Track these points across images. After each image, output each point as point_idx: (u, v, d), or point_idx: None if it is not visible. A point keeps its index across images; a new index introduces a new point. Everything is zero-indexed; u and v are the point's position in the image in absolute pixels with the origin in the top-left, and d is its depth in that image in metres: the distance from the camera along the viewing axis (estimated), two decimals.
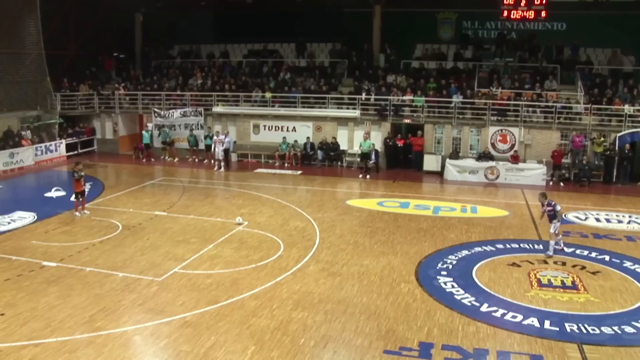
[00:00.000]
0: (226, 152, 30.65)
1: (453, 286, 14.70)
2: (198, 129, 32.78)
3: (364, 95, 31.47)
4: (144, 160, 32.45)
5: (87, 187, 22.57)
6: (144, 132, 33.92)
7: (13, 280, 14.96)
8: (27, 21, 32.89)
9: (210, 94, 33.79)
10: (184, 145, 33.35)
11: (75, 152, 34.53)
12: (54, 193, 24.59)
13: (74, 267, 15.83)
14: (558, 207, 17.12)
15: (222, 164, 30.16)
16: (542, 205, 17.44)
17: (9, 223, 20.19)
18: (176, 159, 32.90)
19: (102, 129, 36.25)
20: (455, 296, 14.10)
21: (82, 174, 21.36)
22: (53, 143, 33.18)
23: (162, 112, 33.63)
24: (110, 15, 37.27)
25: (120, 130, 35.94)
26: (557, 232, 17.13)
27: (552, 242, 17.07)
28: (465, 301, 13.80)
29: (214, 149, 30.54)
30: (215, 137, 30.81)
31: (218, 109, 33.19)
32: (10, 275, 15.27)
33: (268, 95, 33.01)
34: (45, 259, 16.44)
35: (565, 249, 17.46)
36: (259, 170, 30.19)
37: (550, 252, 16.95)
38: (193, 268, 15.77)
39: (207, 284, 14.62)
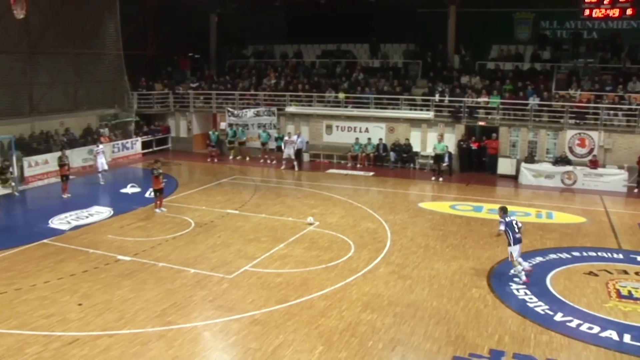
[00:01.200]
0: (298, 152, 30.88)
1: (526, 293, 14.30)
2: (271, 128, 33.14)
3: (437, 97, 31.04)
4: (215, 160, 33.02)
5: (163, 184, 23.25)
6: (210, 132, 34.56)
7: (90, 272, 15.57)
8: (107, 23, 34.25)
9: (284, 94, 34.15)
10: (255, 145, 33.79)
11: (150, 149, 35.57)
12: (129, 189, 25.39)
13: (147, 262, 16.32)
14: (502, 227, 14.95)
15: (295, 163, 30.42)
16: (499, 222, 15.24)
17: (87, 217, 21.02)
18: (247, 158, 33.38)
19: (177, 127, 37.20)
20: (528, 304, 13.70)
21: (161, 171, 21.96)
22: (129, 140, 34.32)
23: (235, 112, 34.19)
24: (187, 16, 38.18)
25: (194, 128, 36.79)
26: (516, 258, 15.07)
27: (518, 268, 15.09)
28: (538, 309, 13.39)
29: (284, 149, 30.88)
30: (286, 138, 31.11)
31: (291, 109, 33.50)
32: (88, 267, 15.91)
33: (341, 95, 33.06)
34: (120, 253, 17.02)
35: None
36: (330, 170, 30.28)
37: (521, 279, 15.02)
38: (263, 266, 15.96)
39: (277, 283, 14.76)
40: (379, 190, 25.80)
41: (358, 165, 31.08)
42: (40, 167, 27.95)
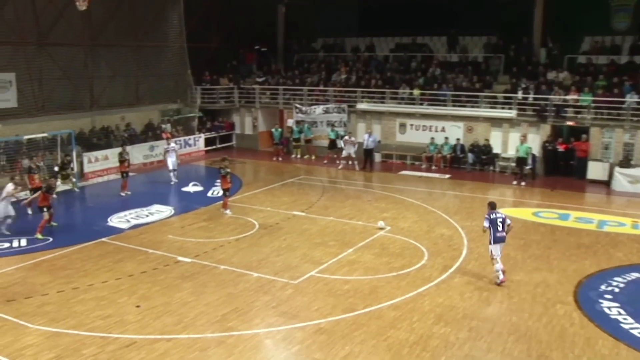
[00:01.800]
0: (369, 152, 30.76)
1: (619, 313, 13.71)
2: (341, 126, 33.12)
3: (521, 94, 30.31)
4: (281, 159, 33.28)
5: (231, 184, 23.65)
6: (273, 130, 34.83)
7: (149, 273, 15.92)
8: (170, 14, 35.12)
9: (355, 89, 34.11)
10: (323, 143, 33.91)
11: (214, 147, 36.22)
12: (191, 188, 25.90)
13: (208, 264, 16.56)
14: (486, 224, 15.03)
15: (355, 163, 30.40)
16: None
17: (147, 216, 21.56)
18: (313, 157, 33.50)
19: (242, 124, 37.75)
20: (622, 324, 13.13)
21: (229, 170, 22.24)
22: (192, 137, 35.03)
23: (303, 108, 34.39)
24: (253, 8, 38.70)
25: (259, 125, 37.23)
26: (494, 256, 15.19)
27: (496, 267, 15.19)
28: (634, 332, 12.80)
29: (344, 148, 30.93)
30: (346, 137, 31.07)
31: (362, 105, 33.42)
32: (147, 268, 16.28)
33: (416, 92, 32.75)
34: (180, 254, 17.36)
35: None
36: (403, 172, 30.04)
37: (498, 280, 15.20)
38: (330, 272, 15.94)
39: (345, 290, 14.70)
40: (456, 194, 25.39)
41: (433, 167, 30.71)
42: (100, 163, 28.88)
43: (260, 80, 38.34)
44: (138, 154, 30.95)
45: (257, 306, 13.85)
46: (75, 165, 26.69)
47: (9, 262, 16.96)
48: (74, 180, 26.17)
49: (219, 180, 24.70)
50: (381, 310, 13.64)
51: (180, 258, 17.07)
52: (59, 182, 24.52)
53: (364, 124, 33.32)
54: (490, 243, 15.18)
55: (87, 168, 28.37)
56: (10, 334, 12.45)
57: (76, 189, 26.04)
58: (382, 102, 33.27)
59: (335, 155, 32.45)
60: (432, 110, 31.85)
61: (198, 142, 35.28)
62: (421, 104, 32.41)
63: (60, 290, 14.78)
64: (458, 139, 30.97)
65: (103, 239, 18.89)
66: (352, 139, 30.99)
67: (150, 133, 33.75)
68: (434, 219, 21.18)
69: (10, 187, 19.64)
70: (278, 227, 20.12)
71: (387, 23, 37.93)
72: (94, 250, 17.88)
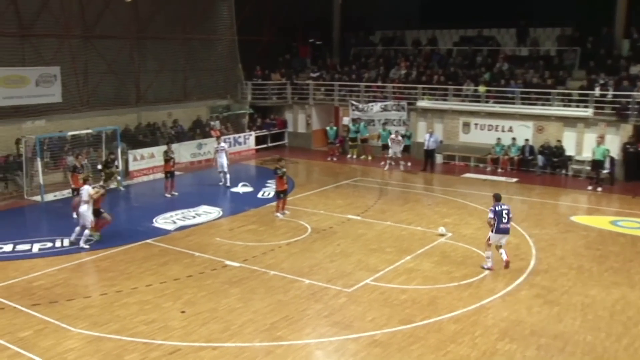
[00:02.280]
0: (431, 152, 30.54)
1: None
2: (400, 125, 32.95)
3: (598, 91, 29.61)
4: (335, 159, 33.32)
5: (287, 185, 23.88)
6: (327, 128, 34.84)
7: (195, 278, 16.13)
8: (220, 6, 35.54)
9: (415, 86, 33.89)
10: (377, 143, 33.82)
11: (265, 145, 36.51)
12: (240, 188, 26.15)
13: (257, 269, 16.69)
14: (491, 215, 16.47)
15: (402, 162, 30.41)
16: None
17: (193, 217, 21.86)
18: (370, 158, 33.44)
19: (294, 121, 37.95)
20: None
21: (285, 170, 22.36)
22: (242, 135, 35.37)
23: (360, 105, 34.36)
24: None
25: (313, 123, 37.36)
26: (490, 242, 16.72)
27: (487, 253, 16.84)
28: None
29: (390, 146, 30.85)
30: (392, 136, 30.98)
31: (423, 103, 33.19)
32: (193, 272, 16.49)
33: (482, 89, 32.34)
34: (228, 258, 17.54)
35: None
36: (467, 175, 29.75)
37: (485, 265, 16.81)
38: (387, 281, 15.87)
39: (402, 300, 14.62)
40: (524, 200, 24.98)
41: (499, 170, 30.29)
42: (146, 161, 29.43)
43: (314, 75, 38.47)
44: (185, 152, 31.40)
45: (308, 315, 13.88)
46: (120, 163, 27.22)
47: (52, 262, 17.43)
48: (118, 178, 26.70)
49: (270, 181, 24.95)
50: (441, 322, 13.50)
51: (228, 262, 17.25)
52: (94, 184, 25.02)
53: (424, 122, 33.08)
54: (491, 232, 16.49)
55: (132, 166, 28.94)
56: (52, 337, 12.78)
57: (121, 188, 26.59)
58: (445, 100, 32.97)
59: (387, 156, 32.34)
60: (498, 108, 31.41)
61: (248, 140, 35.61)
62: (487, 102, 32.02)
63: (103, 293, 15.11)
64: (527, 140, 30.45)
65: (148, 241, 19.25)
66: (399, 137, 30.81)
67: (199, 130, 34.23)
68: None
69: (89, 189, 19.03)
70: (332, 232, 20.15)
71: (451, 14, 37.57)
72: (139, 252, 18.23)
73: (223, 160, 27.12)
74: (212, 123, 35.00)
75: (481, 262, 17.05)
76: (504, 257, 16.55)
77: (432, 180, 28.69)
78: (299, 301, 14.62)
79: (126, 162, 28.61)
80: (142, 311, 14.04)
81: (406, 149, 31.61)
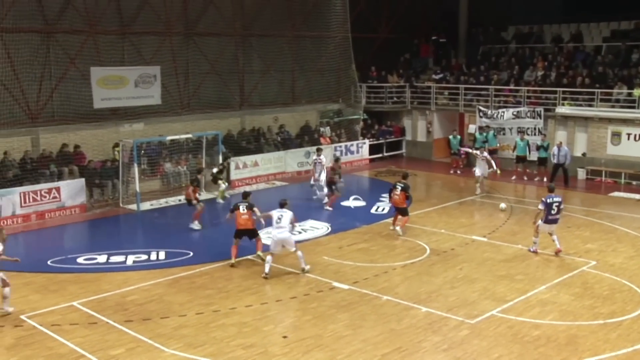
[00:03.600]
0: (559, 167, 29.75)
1: None
2: (535, 134, 32.17)
3: None
4: (459, 172, 32.90)
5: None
6: (450, 137, 34.37)
7: (300, 300, 16.25)
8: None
9: (554, 89, 33.03)
10: (509, 155, 33.29)
11: (380, 155, 36.53)
12: (352, 202, 26.21)
13: (368, 293, 16.64)
14: (541, 206, 19.26)
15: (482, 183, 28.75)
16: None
17: (299, 232, 22.03)
18: (499, 171, 32.79)
19: (413, 128, 37.82)
20: None
21: (409, 184, 22.41)
22: (355, 143, 35.50)
23: (489, 112, 33.86)
24: None
25: (435, 131, 37.12)
26: (539, 230, 19.65)
27: (533, 239, 20.01)
28: None
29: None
30: (477, 152, 29.34)
31: (563, 109, 32.30)
32: (297, 294, 16.64)
33: (637, 93, 31.19)
34: (336, 279, 17.60)
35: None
36: (615, 193, 28.85)
37: (531, 248, 19.97)
38: (516, 313, 15.46)
39: (534, 337, 14.18)
40: None
41: None
42: (249, 169, 30.06)
43: (437, 77, 38.27)
44: (292, 160, 31.79)
45: (424, 347, 13.70)
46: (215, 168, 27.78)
47: (146, 276, 18.06)
48: (222, 187, 26.94)
49: (385, 195, 24.87)
50: None
51: (335, 284, 17.28)
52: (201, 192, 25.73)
53: (564, 132, 32.17)
54: (541, 221, 19.38)
55: (234, 175, 29.55)
56: (144, 357, 13.21)
57: (220, 200, 26.98)
58: (590, 105, 31.96)
59: (526, 170, 31.57)
60: None
61: (362, 149, 35.67)
62: None
63: (199, 312, 15.45)
64: None
65: (249, 257, 19.56)
66: (484, 154, 28.86)
67: (307, 137, 34.60)
68: None
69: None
70: (453, 254, 19.89)
71: (601, 4, 36.41)
72: (238, 269, 18.57)
73: (320, 175, 27.24)
74: (321, 129, 35.32)
75: (627, 295, 16.39)
76: (557, 245, 19.52)
77: (571, 199, 27.78)
78: (414, 331, 14.44)
79: (228, 170, 29.16)
80: (240, 334, 14.24)
81: (542, 162, 30.81)
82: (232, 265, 18.77)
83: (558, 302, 16.15)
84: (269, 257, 18.11)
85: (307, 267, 18.27)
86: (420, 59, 41.40)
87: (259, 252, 19.15)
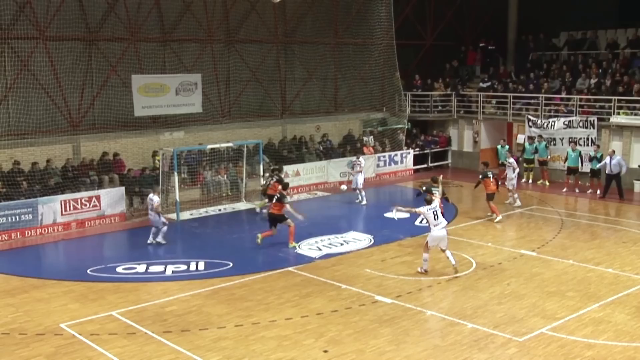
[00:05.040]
0: (613, 178, 29.29)
1: None
2: (587, 144, 31.76)
3: None
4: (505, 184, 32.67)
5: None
6: (498, 147, 34.04)
7: (341, 313, 16.22)
8: (377, 6, 35.56)
9: (609, 98, 32.58)
10: (559, 166, 32.92)
11: (424, 165, 36.36)
12: (395, 214, 26.08)
13: (412, 308, 16.55)
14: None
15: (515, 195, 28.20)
16: None
17: (341, 244, 22.07)
18: (547, 183, 32.47)
19: (459, 138, 37.65)
20: None
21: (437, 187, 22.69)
22: (399, 153, 35.40)
23: (538, 121, 33.54)
24: None
25: (482, 141, 36.88)
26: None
27: None
28: None
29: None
30: (510, 160, 28.47)
31: (618, 119, 31.85)
32: (338, 307, 16.60)
33: None
34: (378, 293, 17.53)
35: None
36: None
37: None
38: (568, 332, 15.24)
39: (587, 357, 13.96)
40: None
41: None
42: (290, 179, 29.96)
43: (484, 85, 38.01)
44: (334, 170, 31.84)
45: None
46: (262, 180, 27.88)
47: (185, 287, 18.21)
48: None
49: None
50: None
51: (378, 297, 17.23)
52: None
53: (619, 142, 31.71)
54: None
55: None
56: None
57: (258, 210, 27.10)
58: None
59: (577, 182, 31.17)
60: None
61: (406, 159, 35.57)
62: None
63: (238, 324, 15.51)
64: None
65: (289, 268, 19.64)
66: (510, 161, 28.22)
67: (349, 146, 34.63)
68: None
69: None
70: (501, 269, 19.69)
71: None
72: (279, 281, 18.61)
73: (359, 178, 28.54)
74: (365, 138, 35.32)
75: None
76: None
77: (627, 213, 27.38)
78: (459, 348, 14.31)
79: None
80: (280, 347, 14.26)
81: (595, 174, 30.38)
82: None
83: (613, 322, 15.85)
84: (425, 255, 18.98)
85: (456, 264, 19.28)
86: (467, 66, 41.22)
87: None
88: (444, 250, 19.06)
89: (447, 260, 19.09)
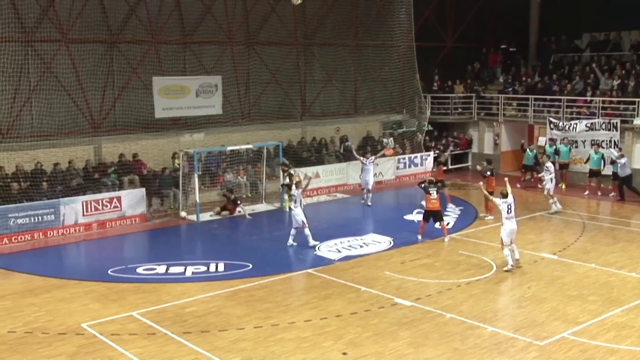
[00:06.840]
0: (626, 180, 29.12)
1: None
2: (610, 147, 31.54)
3: None
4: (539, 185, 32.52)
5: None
6: (527, 150, 33.70)
7: (360, 315, 16.24)
8: (397, 8, 35.48)
9: (633, 100, 32.33)
10: (581, 169, 32.66)
11: (445, 168, 36.17)
12: (415, 216, 26.10)
13: (431, 311, 16.54)
14: None
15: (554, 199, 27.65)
16: None
17: (360, 247, 22.10)
18: (564, 186, 32.23)
19: (480, 141, 37.53)
20: None
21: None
22: (419, 155, 35.36)
23: (560, 123, 33.37)
24: None
25: (502, 144, 36.75)
26: None
27: None
28: None
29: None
30: (548, 164, 28.04)
31: None
32: (358, 309, 16.63)
33: None
34: (398, 296, 17.54)
35: None
36: None
37: None
38: (589, 336, 15.16)
39: None
40: None
41: None
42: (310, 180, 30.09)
43: (508, 89, 37.83)
44: (353, 172, 31.84)
45: None
46: (281, 180, 27.99)
47: (205, 288, 18.31)
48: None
49: (450, 208, 25.38)
50: None
51: (397, 300, 17.24)
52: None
53: None
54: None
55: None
56: None
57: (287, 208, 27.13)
58: None
59: (597, 185, 30.95)
60: None
61: (426, 161, 35.48)
62: None
63: (257, 326, 15.58)
64: None
65: (309, 270, 19.71)
66: (548, 164, 27.80)
67: (369, 148, 34.61)
68: None
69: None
70: (521, 272, 19.60)
71: None
72: (298, 283, 18.74)
73: (369, 178, 28.64)
74: (384, 140, 35.30)
75: None
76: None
77: None
78: (479, 352, 14.29)
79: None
80: (299, 349, 14.31)
81: (617, 176, 30.07)
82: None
83: (636, 327, 15.72)
84: (506, 251, 19.44)
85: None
86: (488, 68, 41.07)
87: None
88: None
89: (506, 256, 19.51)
